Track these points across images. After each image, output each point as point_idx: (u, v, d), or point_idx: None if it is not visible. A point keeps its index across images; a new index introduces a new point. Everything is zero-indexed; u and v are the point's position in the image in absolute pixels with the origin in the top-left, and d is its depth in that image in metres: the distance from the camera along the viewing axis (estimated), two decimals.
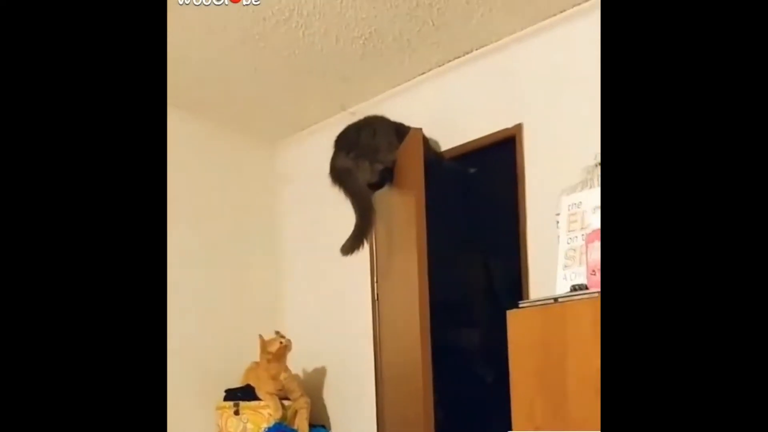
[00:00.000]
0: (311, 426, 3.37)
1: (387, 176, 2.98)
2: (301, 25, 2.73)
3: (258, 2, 2.54)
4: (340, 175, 3.02)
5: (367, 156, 2.96)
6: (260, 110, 3.60)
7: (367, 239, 3.09)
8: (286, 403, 3.31)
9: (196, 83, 3.26)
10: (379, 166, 2.94)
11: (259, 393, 3.32)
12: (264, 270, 3.95)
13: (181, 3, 2.45)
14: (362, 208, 2.99)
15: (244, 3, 2.54)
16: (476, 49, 2.99)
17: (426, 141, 2.87)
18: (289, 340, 3.35)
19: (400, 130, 2.94)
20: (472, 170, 3.14)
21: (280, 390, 3.31)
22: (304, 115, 3.67)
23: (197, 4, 2.48)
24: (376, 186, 3.00)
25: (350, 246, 3.02)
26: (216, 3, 2.50)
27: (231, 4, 2.52)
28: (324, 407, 3.65)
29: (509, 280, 3.12)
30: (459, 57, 3.04)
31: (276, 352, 3.30)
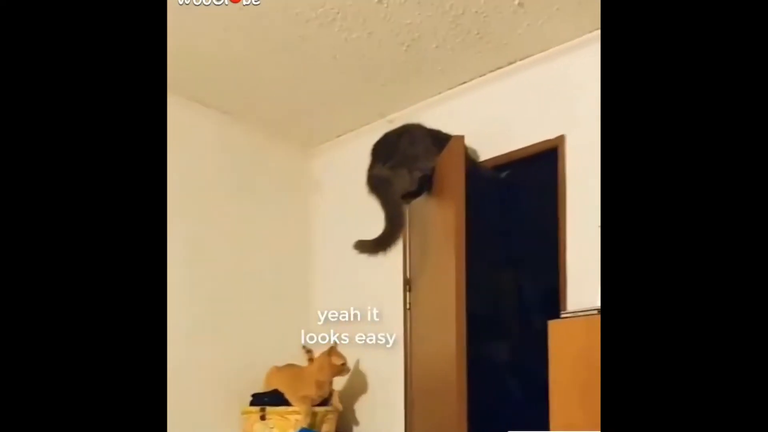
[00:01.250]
0: None
1: (425, 184, 2.95)
2: (345, 29, 2.72)
3: (258, 2, 2.53)
4: (377, 184, 3.00)
5: (406, 164, 2.93)
6: (297, 115, 3.59)
7: (387, 249, 3.06)
8: (315, 409, 3.28)
9: (233, 86, 3.27)
10: (418, 174, 2.91)
11: (291, 398, 3.28)
12: (295, 276, 3.95)
13: (181, 3, 2.45)
14: (393, 219, 2.97)
15: (244, 3, 2.53)
16: (520, 60, 2.97)
17: (466, 149, 2.84)
18: (349, 369, 3.38)
19: (438, 138, 2.92)
20: (504, 174, 3.10)
21: (320, 396, 3.29)
22: (341, 122, 3.67)
23: (197, 4, 2.47)
24: (414, 194, 2.97)
25: (366, 247, 3.00)
26: (216, 3, 2.49)
27: (230, 3, 2.51)
28: (353, 415, 3.62)
29: (540, 293, 3.07)
30: (502, 67, 3.03)
31: (334, 367, 3.31)
